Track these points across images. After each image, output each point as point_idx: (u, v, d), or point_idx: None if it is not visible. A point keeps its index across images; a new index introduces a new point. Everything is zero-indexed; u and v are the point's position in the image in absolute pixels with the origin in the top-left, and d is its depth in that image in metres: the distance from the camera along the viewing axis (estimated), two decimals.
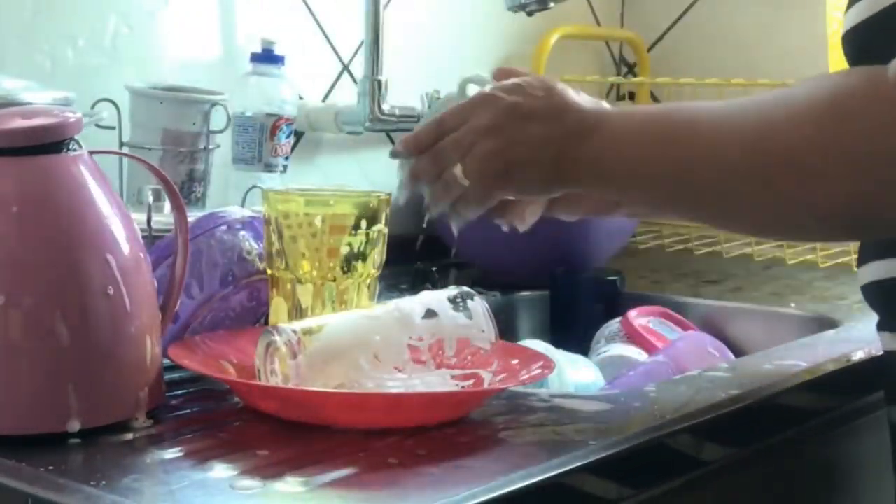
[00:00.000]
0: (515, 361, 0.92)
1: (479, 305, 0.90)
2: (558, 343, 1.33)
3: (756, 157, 0.81)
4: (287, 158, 1.39)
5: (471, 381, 0.89)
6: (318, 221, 0.95)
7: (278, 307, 0.97)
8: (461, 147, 0.89)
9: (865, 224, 0.82)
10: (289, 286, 0.96)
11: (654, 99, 1.95)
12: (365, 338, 0.86)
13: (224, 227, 0.99)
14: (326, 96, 1.57)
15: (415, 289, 1.01)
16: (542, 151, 0.88)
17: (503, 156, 0.88)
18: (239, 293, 0.99)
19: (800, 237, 0.87)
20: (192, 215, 0.96)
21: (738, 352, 1.30)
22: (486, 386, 0.88)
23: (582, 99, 0.90)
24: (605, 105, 0.92)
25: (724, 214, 0.87)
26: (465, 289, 0.92)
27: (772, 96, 0.84)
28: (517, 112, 0.89)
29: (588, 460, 0.77)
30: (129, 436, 0.77)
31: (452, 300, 0.90)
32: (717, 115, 0.85)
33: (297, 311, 0.96)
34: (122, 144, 1.24)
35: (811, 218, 0.81)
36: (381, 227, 0.97)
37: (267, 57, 1.38)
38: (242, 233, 1.00)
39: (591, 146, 0.87)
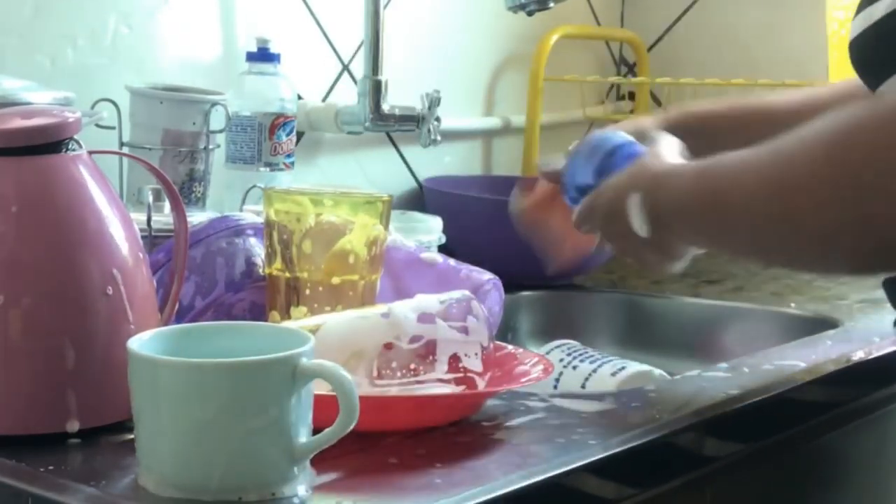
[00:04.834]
0: (515, 362, 0.92)
1: (473, 317, 0.90)
2: None
3: (775, 194, 0.82)
4: (291, 156, 1.39)
5: (463, 387, 0.88)
6: (317, 222, 0.95)
7: (273, 318, 0.97)
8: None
9: (886, 248, 0.81)
10: (286, 287, 0.96)
11: (654, 99, 1.95)
12: (359, 342, 0.86)
13: (236, 232, 0.99)
14: (326, 96, 1.57)
15: None
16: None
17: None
18: (243, 299, 0.98)
19: (833, 271, 0.89)
20: (191, 215, 0.96)
21: (738, 352, 1.30)
22: (479, 389, 0.88)
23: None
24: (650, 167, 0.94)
25: (765, 254, 0.91)
26: (463, 293, 0.92)
27: (789, 134, 0.85)
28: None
29: (588, 460, 0.77)
30: (129, 436, 0.77)
31: (447, 304, 0.90)
32: (741, 159, 0.86)
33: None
34: (122, 144, 1.24)
35: (835, 249, 0.81)
36: (380, 228, 0.97)
37: (262, 55, 1.38)
38: (253, 239, 1.00)
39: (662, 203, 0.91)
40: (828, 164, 0.79)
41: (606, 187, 0.96)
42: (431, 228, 1.39)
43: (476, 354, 0.89)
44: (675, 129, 1.03)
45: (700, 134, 1.05)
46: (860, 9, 0.89)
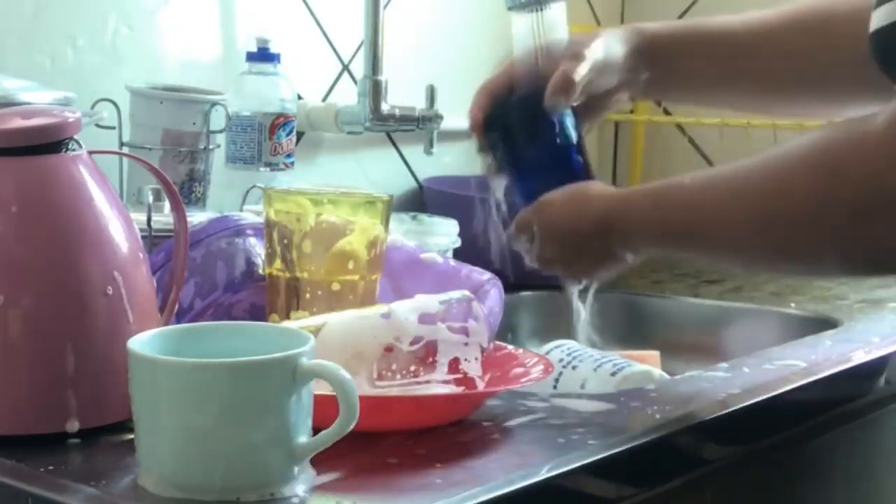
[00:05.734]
0: (515, 362, 0.92)
1: (473, 318, 0.90)
2: None
3: (761, 230, 0.84)
4: (291, 156, 1.39)
5: (462, 387, 0.88)
6: (317, 222, 0.95)
7: (273, 321, 0.96)
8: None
9: (880, 261, 0.83)
10: (286, 287, 0.96)
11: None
12: (360, 343, 0.86)
13: (236, 232, 0.99)
14: (326, 96, 1.57)
15: None
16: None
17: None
18: (242, 300, 0.98)
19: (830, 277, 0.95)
20: (191, 215, 0.96)
21: (738, 352, 1.30)
22: (479, 389, 0.88)
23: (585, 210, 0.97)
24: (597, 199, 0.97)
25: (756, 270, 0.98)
26: (463, 293, 0.91)
27: (766, 160, 0.85)
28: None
29: (588, 460, 0.77)
30: (129, 436, 0.77)
31: (447, 304, 0.89)
32: (716, 195, 0.88)
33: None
34: (122, 144, 1.24)
35: (825, 267, 0.87)
36: (381, 228, 0.97)
37: (262, 55, 1.38)
38: (253, 239, 1.00)
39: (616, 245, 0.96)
40: (814, 194, 0.80)
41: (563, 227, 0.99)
42: (448, 232, 1.39)
43: (476, 359, 0.89)
44: (639, 53, 1.07)
45: (661, 59, 1.09)
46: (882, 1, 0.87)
